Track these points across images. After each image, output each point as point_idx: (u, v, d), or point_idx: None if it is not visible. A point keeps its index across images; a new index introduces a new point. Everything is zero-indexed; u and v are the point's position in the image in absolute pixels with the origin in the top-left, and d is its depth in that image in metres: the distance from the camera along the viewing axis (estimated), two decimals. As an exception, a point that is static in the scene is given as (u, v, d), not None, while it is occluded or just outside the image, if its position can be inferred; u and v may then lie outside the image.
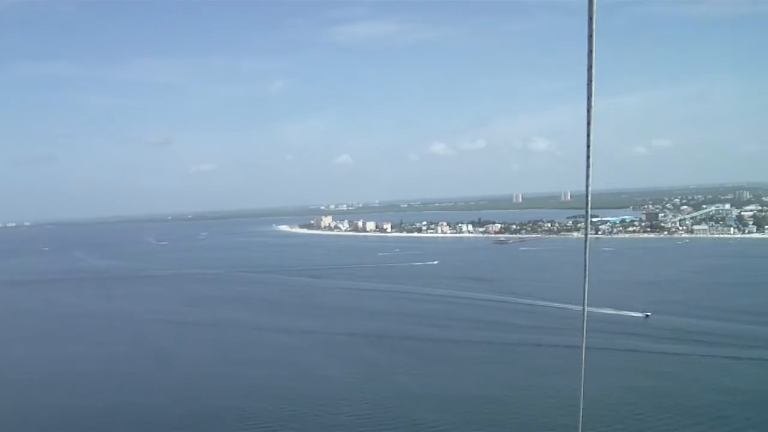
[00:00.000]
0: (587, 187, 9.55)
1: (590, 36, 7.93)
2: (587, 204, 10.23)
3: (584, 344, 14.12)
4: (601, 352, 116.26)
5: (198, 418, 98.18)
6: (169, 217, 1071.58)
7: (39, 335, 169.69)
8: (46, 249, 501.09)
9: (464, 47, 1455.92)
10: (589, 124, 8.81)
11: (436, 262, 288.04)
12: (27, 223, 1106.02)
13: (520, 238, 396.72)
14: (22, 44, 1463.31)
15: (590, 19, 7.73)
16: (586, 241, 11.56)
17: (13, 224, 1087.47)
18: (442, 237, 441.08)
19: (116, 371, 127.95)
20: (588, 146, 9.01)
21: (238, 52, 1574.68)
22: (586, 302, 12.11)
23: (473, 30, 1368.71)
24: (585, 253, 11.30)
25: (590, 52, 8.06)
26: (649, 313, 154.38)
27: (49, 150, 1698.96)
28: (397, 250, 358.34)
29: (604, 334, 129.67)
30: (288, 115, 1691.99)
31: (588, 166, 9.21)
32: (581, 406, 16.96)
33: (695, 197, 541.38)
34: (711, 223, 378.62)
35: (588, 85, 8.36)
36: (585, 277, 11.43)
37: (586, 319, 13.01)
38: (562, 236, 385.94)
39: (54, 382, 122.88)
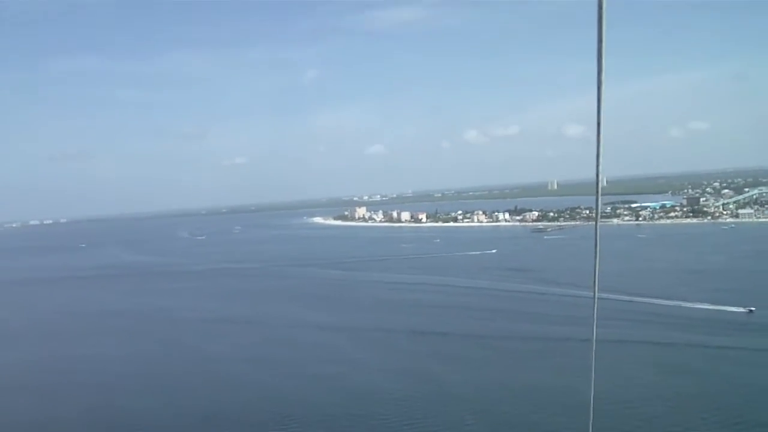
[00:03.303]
0: (597, 174, 9.41)
1: (600, 22, 7.68)
2: (597, 191, 10.11)
3: (594, 338, 14.22)
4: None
5: (234, 423, 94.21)
6: (204, 212, 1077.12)
7: (73, 334, 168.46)
8: (83, 245, 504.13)
9: (500, 31, 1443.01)
10: (599, 112, 8.74)
11: (494, 251, 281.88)
12: (63, 220, 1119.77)
13: (558, 225, 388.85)
14: (54, 40, 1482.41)
15: (600, 7, 7.57)
16: (596, 229, 11.27)
17: (50, 221, 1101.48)
18: (479, 226, 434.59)
19: (151, 372, 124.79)
20: (598, 134, 8.98)
21: (274, 41, 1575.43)
22: (596, 292, 11.84)
23: (508, 13, 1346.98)
24: (596, 241, 11.01)
25: (600, 41, 7.83)
26: (753, 308, 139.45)
27: (84, 146, 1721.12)
28: (438, 240, 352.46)
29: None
30: (321, 105, 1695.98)
31: (598, 154, 9.20)
32: (591, 404, 16.59)
33: (735, 180, 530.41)
34: (756, 206, 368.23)
35: (598, 74, 8.22)
36: (596, 265, 11.21)
37: (597, 309, 12.88)
38: (602, 223, 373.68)
39: (87, 382, 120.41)
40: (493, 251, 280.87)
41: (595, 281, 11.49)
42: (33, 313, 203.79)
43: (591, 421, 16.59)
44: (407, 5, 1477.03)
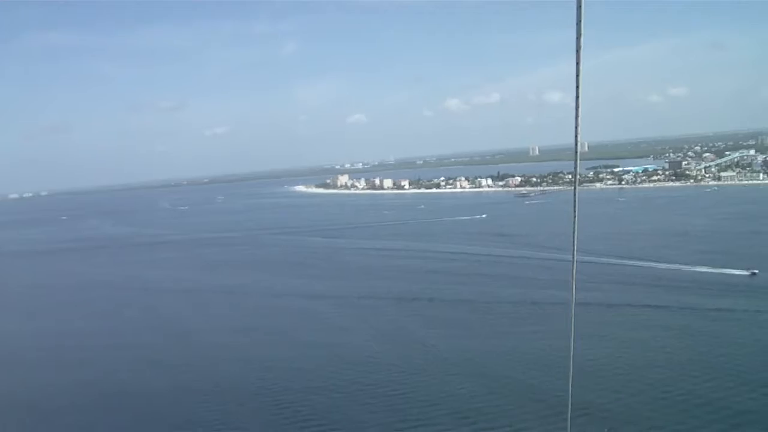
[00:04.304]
0: (576, 137, 9.94)
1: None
2: (576, 155, 10.65)
3: (573, 301, 15.25)
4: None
5: (213, 396, 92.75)
6: (185, 182, 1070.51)
7: (53, 307, 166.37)
8: (64, 218, 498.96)
9: (479, 4, 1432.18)
10: (578, 75, 9.26)
11: (484, 216, 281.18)
12: (44, 193, 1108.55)
13: (541, 190, 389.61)
14: (30, 15, 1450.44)
15: None
16: (575, 196, 11.74)
17: (30, 194, 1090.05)
18: (461, 192, 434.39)
19: (127, 344, 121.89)
20: (577, 106, 9.54)
21: (251, 16, 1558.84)
22: (575, 256, 12.18)
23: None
24: (574, 207, 11.49)
25: (579, 6, 8.45)
26: (756, 271, 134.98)
27: (62, 120, 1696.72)
28: (422, 206, 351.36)
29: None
30: (301, 77, 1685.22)
31: (577, 117, 9.69)
32: (571, 368, 17.38)
33: (716, 144, 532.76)
34: (738, 169, 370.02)
35: (577, 39, 8.78)
36: (574, 230, 11.55)
37: (575, 274, 13.13)
38: (584, 187, 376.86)
39: (61, 357, 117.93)
40: (483, 216, 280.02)
41: (573, 243, 11.65)
42: (12, 286, 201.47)
43: (570, 381, 17.53)
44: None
